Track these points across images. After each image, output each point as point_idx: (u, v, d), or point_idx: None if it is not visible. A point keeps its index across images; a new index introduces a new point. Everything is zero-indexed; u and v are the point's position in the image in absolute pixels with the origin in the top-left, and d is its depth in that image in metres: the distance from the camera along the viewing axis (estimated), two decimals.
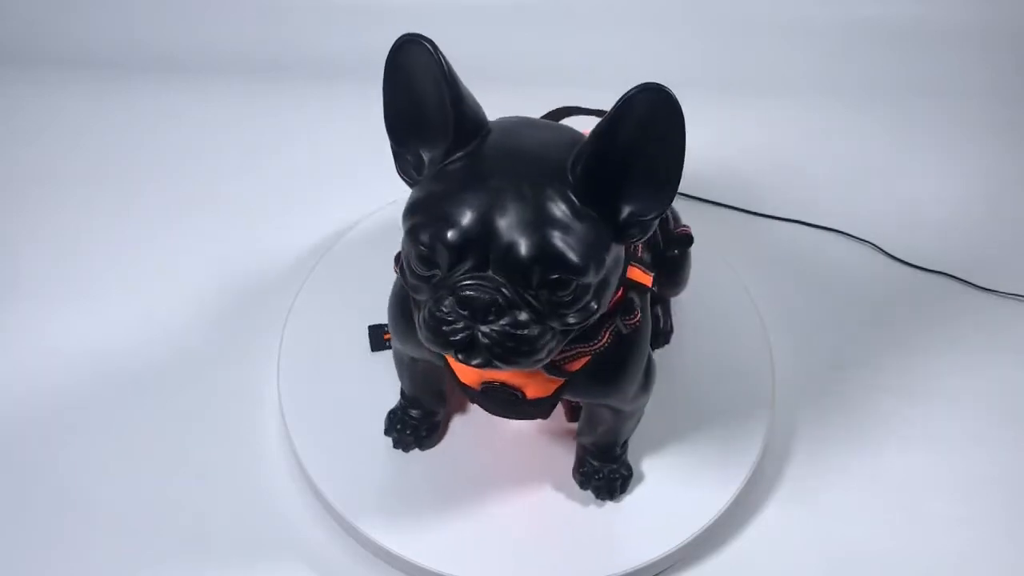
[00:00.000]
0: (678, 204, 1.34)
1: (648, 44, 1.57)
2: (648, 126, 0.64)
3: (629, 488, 1.00)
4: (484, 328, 0.67)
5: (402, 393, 1.03)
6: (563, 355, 0.78)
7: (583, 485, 1.00)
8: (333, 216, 1.29)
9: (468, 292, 0.66)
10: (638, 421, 0.97)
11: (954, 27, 1.59)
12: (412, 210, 0.69)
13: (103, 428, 1.10)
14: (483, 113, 0.72)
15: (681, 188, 1.37)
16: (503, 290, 0.66)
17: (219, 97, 1.48)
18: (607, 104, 0.67)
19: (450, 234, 0.66)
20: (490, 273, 0.66)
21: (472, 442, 1.04)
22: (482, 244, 0.66)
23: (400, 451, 1.03)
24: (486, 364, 0.69)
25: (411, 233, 0.68)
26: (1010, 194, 1.40)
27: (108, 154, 1.40)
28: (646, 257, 0.86)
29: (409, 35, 0.67)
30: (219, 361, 1.16)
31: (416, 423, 1.02)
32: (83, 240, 1.29)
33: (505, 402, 0.83)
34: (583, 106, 0.96)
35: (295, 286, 1.18)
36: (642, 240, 0.70)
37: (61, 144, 1.41)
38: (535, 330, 0.68)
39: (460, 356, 0.69)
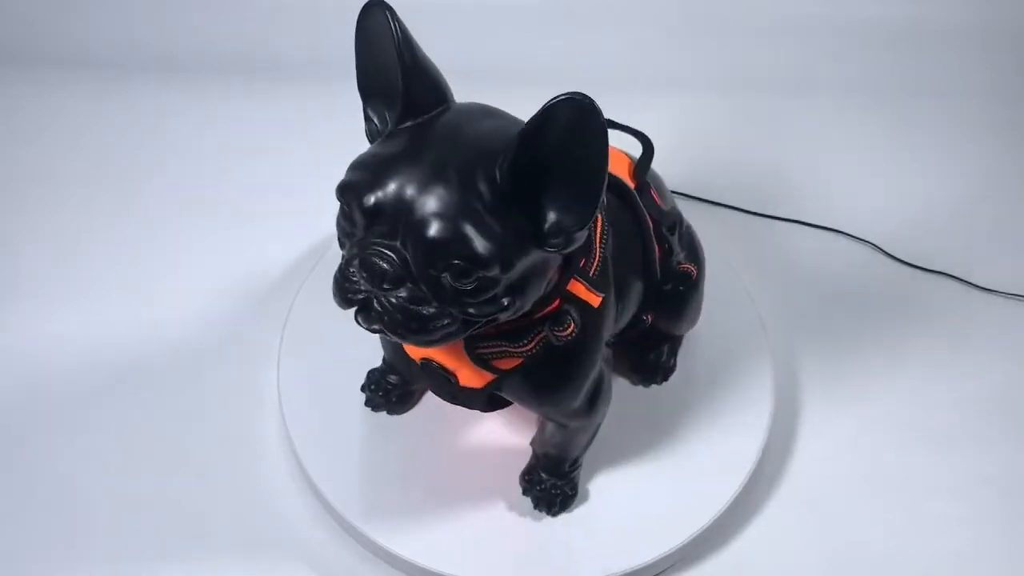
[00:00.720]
0: (679, 203, 1.34)
1: (648, 44, 1.57)
2: (569, 135, 0.63)
3: (571, 507, 0.99)
4: (381, 296, 0.68)
5: (383, 359, 1.05)
6: (488, 349, 0.78)
7: (526, 492, 1.00)
8: (333, 216, 1.29)
9: (370, 257, 0.67)
10: (589, 442, 0.96)
11: (954, 27, 1.59)
12: (349, 167, 0.70)
13: (103, 428, 1.10)
14: (443, 89, 0.72)
15: (681, 188, 1.38)
16: (406, 263, 0.67)
17: (219, 97, 1.48)
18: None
19: (367, 198, 0.67)
20: (398, 244, 0.67)
21: (472, 443, 1.04)
22: (395, 214, 0.66)
23: (402, 452, 1.03)
24: (379, 331, 0.69)
25: (338, 189, 0.69)
26: (1010, 194, 1.40)
27: (108, 154, 1.40)
28: (634, 285, 0.90)
29: (373, 0, 0.69)
30: (219, 361, 1.16)
31: (390, 388, 1.04)
32: (83, 240, 1.29)
33: (442, 384, 0.84)
34: (615, 120, 0.96)
35: (295, 286, 1.18)
36: (564, 251, 0.69)
37: (61, 144, 1.41)
38: (428, 309, 0.68)
39: (357, 319, 0.70)
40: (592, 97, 0.61)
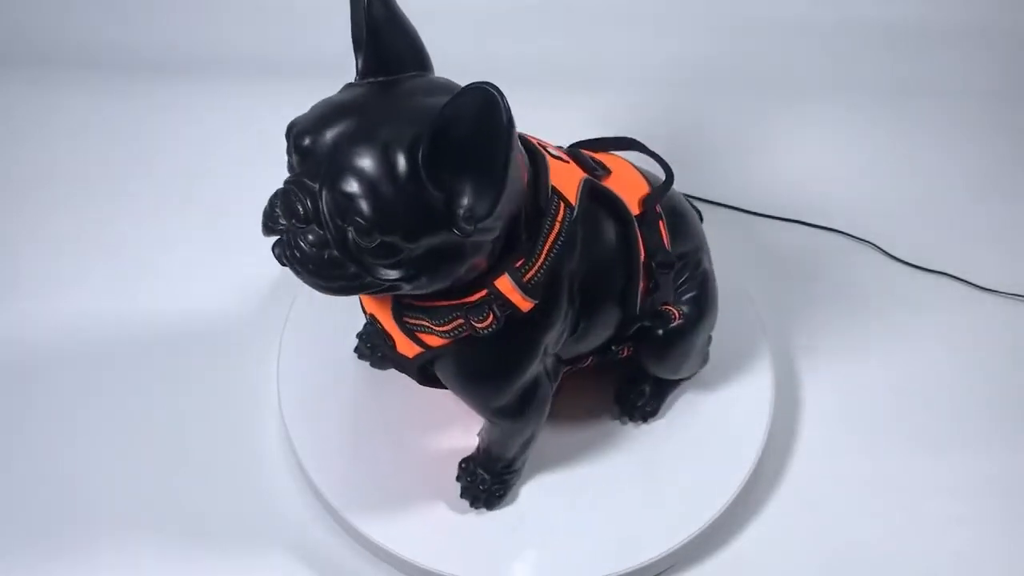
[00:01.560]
0: None
1: (649, 45, 1.57)
2: (477, 125, 0.65)
3: (496, 507, 0.99)
4: (296, 233, 0.71)
5: None
6: (412, 321, 0.80)
7: (458, 478, 1.00)
8: None
9: (289, 194, 0.70)
10: (523, 449, 0.96)
11: (954, 27, 1.59)
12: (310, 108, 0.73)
13: (103, 428, 1.10)
14: (421, 56, 0.76)
15: (682, 188, 1.38)
16: (317, 208, 0.69)
17: (218, 97, 1.48)
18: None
19: (303, 139, 0.70)
20: (316, 187, 0.69)
21: (473, 444, 1.04)
22: (320, 161, 0.69)
23: (401, 452, 1.03)
24: (285, 265, 0.73)
25: (287, 127, 0.72)
26: (1010, 194, 1.40)
27: (107, 154, 1.40)
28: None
29: None
30: (219, 362, 1.16)
31: (379, 342, 1.02)
32: (81, 240, 1.29)
33: (384, 344, 0.86)
34: (646, 145, 0.99)
35: (295, 287, 1.18)
36: (473, 238, 0.71)
37: (61, 144, 1.41)
38: (325, 254, 0.70)
39: (273, 250, 0.73)
40: (500, 91, 0.63)
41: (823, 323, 1.23)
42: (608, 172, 0.91)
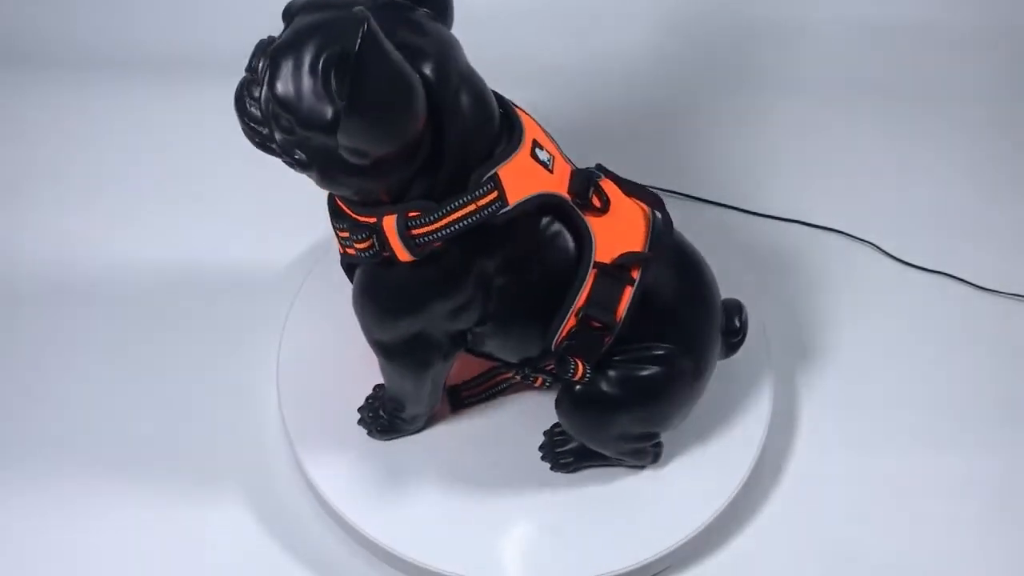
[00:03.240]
0: (678, 203, 1.34)
1: (649, 44, 1.57)
2: (356, 55, 0.70)
3: (381, 438, 1.03)
4: (248, 79, 0.80)
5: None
6: (337, 226, 0.86)
7: (360, 409, 1.05)
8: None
9: (251, 63, 0.79)
10: (410, 403, 0.99)
11: (954, 27, 1.59)
12: None
13: (102, 428, 1.10)
14: (444, 5, 0.82)
15: (681, 188, 1.37)
16: (265, 76, 0.76)
17: (220, 97, 1.48)
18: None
19: (285, 20, 0.79)
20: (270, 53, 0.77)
21: (471, 443, 1.04)
22: (282, 43, 0.76)
23: (401, 451, 1.03)
24: (238, 119, 0.83)
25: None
26: (1010, 194, 1.40)
27: (107, 154, 1.40)
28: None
29: None
30: (219, 361, 1.16)
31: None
32: (81, 241, 1.29)
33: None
34: (667, 211, 0.97)
35: (295, 286, 1.18)
36: (351, 159, 0.76)
37: (61, 144, 1.41)
38: (256, 117, 0.80)
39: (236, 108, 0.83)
40: (367, 21, 0.68)
41: (823, 323, 1.23)
42: (604, 211, 0.88)
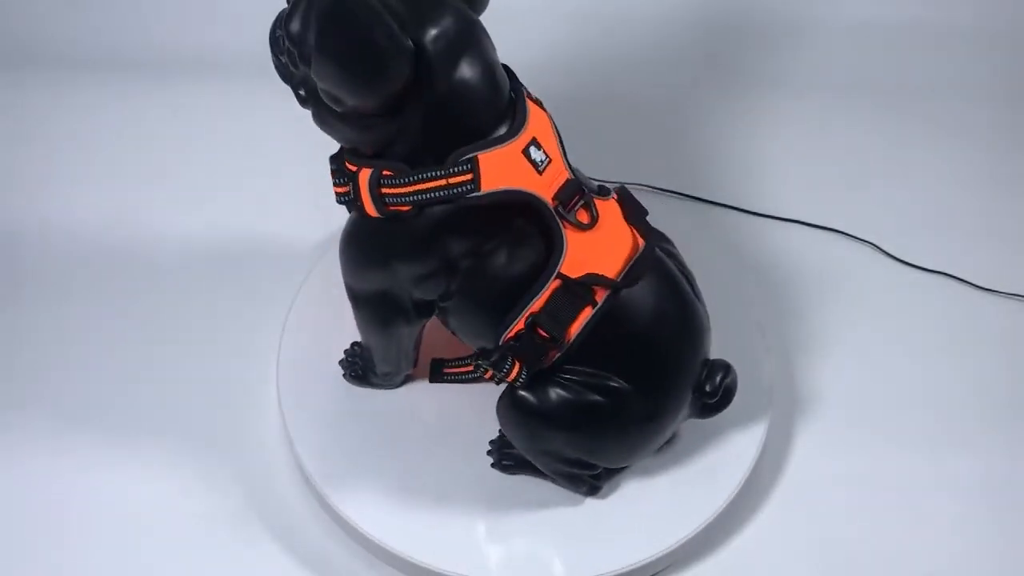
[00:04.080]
0: (678, 203, 1.34)
1: (649, 44, 1.57)
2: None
3: (354, 383, 1.07)
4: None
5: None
6: (331, 165, 0.91)
7: (345, 351, 1.09)
8: (333, 216, 1.29)
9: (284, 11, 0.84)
10: (379, 359, 1.02)
11: (954, 27, 1.59)
12: None
13: (102, 429, 1.10)
14: None
15: (681, 188, 1.37)
16: (289, 18, 0.82)
17: (220, 96, 1.48)
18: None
19: None
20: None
21: (471, 443, 1.04)
22: None
23: (401, 451, 1.03)
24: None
25: None
26: (1010, 194, 1.40)
27: (107, 155, 1.40)
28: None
29: None
30: (219, 361, 1.16)
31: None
32: (80, 240, 1.29)
33: None
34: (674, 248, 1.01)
35: (295, 285, 1.18)
36: (331, 105, 0.83)
37: (64, 144, 1.41)
38: (280, 49, 0.86)
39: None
40: None
41: (822, 323, 1.23)
42: (589, 227, 0.87)
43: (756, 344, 1.13)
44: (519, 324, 0.88)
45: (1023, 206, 1.39)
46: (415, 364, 1.06)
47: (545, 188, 0.85)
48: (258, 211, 1.33)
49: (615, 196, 0.93)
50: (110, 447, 1.09)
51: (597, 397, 0.90)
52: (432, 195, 0.83)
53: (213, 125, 1.44)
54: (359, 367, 1.07)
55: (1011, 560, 1.03)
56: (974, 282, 1.28)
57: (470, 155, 0.82)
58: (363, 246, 0.92)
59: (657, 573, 1.00)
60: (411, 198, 0.84)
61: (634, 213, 0.93)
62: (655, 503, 1.00)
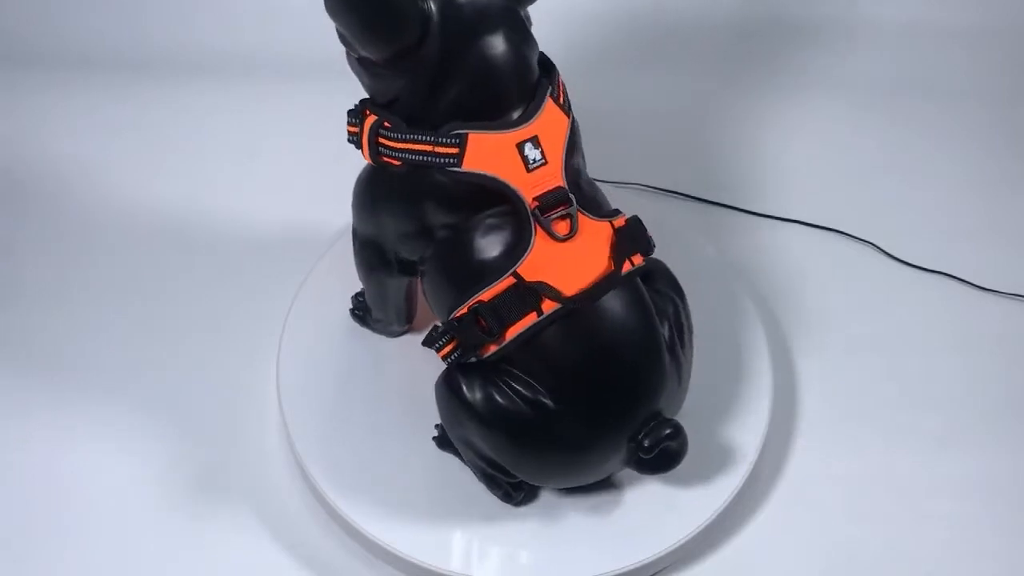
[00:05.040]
0: (678, 203, 1.34)
1: (648, 44, 1.57)
2: None
3: (358, 323, 1.13)
4: None
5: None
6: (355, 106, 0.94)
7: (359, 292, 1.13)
8: (333, 215, 1.29)
9: None
10: (372, 305, 1.08)
11: (954, 27, 1.59)
12: None
13: (101, 430, 1.10)
14: None
15: (681, 188, 1.37)
16: None
17: (221, 97, 1.48)
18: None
19: None
20: None
21: None
22: None
23: (402, 451, 1.03)
24: None
25: None
26: (1010, 194, 1.40)
27: (107, 156, 1.40)
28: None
29: None
30: (219, 360, 1.16)
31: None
32: (78, 240, 1.29)
33: None
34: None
35: (295, 285, 1.18)
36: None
37: (60, 144, 1.41)
38: None
39: None
40: None
41: (823, 323, 1.23)
42: (564, 238, 0.87)
43: (757, 343, 1.13)
44: (465, 308, 0.89)
45: (1023, 206, 1.39)
46: (409, 321, 1.10)
47: (528, 187, 0.87)
48: (258, 211, 1.33)
49: (617, 221, 0.92)
50: (109, 444, 1.09)
51: (523, 407, 0.89)
52: (418, 157, 0.86)
53: (213, 125, 1.44)
54: (361, 307, 1.12)
55: (1011, 560, 1.03)
56: (974, 282, 1.28)
57: (462, 131, 0.85)
58: (363, 191, 0.97)
59: (657, 573, 0.99)
60: (400, 154, 0.88)
61: (626, 245, 0.91)
62: (655, 503, 1.00)
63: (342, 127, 0.93)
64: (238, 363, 1.16)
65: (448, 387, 0.92)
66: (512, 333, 0.88)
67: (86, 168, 1.38)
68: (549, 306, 0.87)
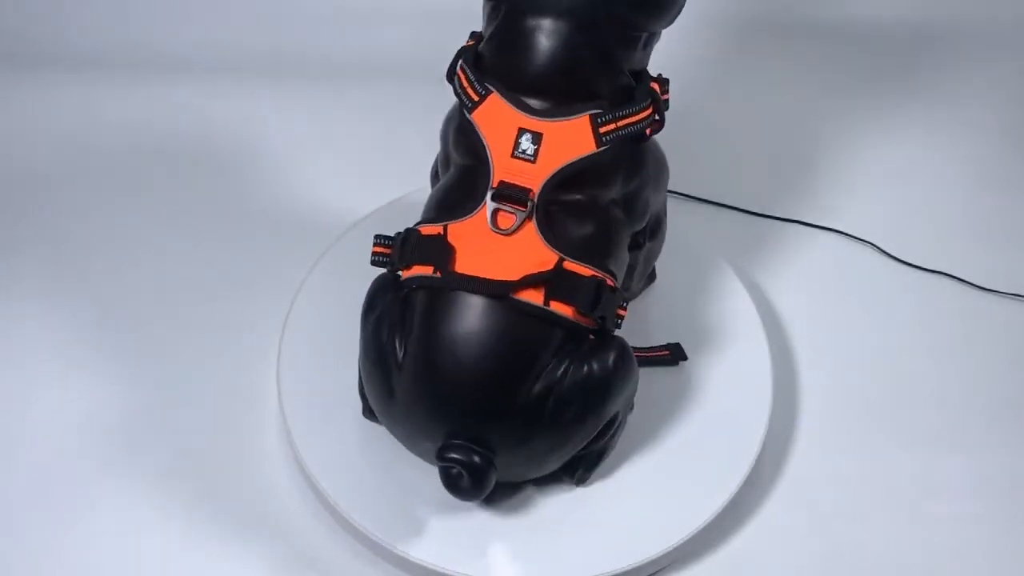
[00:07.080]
0: (679, 203, 1.34)
1: None
2: None
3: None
4: None
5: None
6: None
7: None
8: (333, 215, 1.30)
9: None
10: None
11: (954, 27, 1.59)
12: None
13: (101, 431, 1.10)
14: None
15: (681, 188, 1.37)
16: None
17: (220, 97, 1.48)
18: None
19: None
20: None
21: None
22: None
23: (402, 451, 1.03)
24: None
25: None
26: (1010, 194, 1.40)
27: (108, 156, 1.40)
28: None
29: None
30: (219, 360, 1.16)
31: None
32: (80, 241, 1.29)
33: None
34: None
35: (296, 284, 1.18)
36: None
37: (62, 144, 1.41)
38: None
39: None
40: None
41: (823, 323, 1.23)
42: (500, 232, 0.88)
43: (756, 344, 1.13)
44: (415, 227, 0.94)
45: (1023, 206, 1.39)
46: None
47: (502, 170, 0.88)
48: (259, 211, 1.33)
49: (574, 266, 0.87)
50: (107, 447, 1.09)
51: (389, 337, 0.91)
52: (459, 89, 0.93)
53: (214, 126, 1.44)
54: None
55: (1011, 560, 1.03)
56: (974, 282, 1.28)
57: (492, 90, 0.90)
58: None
59: (657, 573, 1.00)
60: (456, 81, 0.94)
61: (559, 285, 0.87)
62: (655, 503, 1.00)
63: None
64: (238, 363, 1.16)
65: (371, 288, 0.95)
66: (406, 275, 0.92)
67: (86, 168, 1.37)
68: (419, 270, 0.90)
